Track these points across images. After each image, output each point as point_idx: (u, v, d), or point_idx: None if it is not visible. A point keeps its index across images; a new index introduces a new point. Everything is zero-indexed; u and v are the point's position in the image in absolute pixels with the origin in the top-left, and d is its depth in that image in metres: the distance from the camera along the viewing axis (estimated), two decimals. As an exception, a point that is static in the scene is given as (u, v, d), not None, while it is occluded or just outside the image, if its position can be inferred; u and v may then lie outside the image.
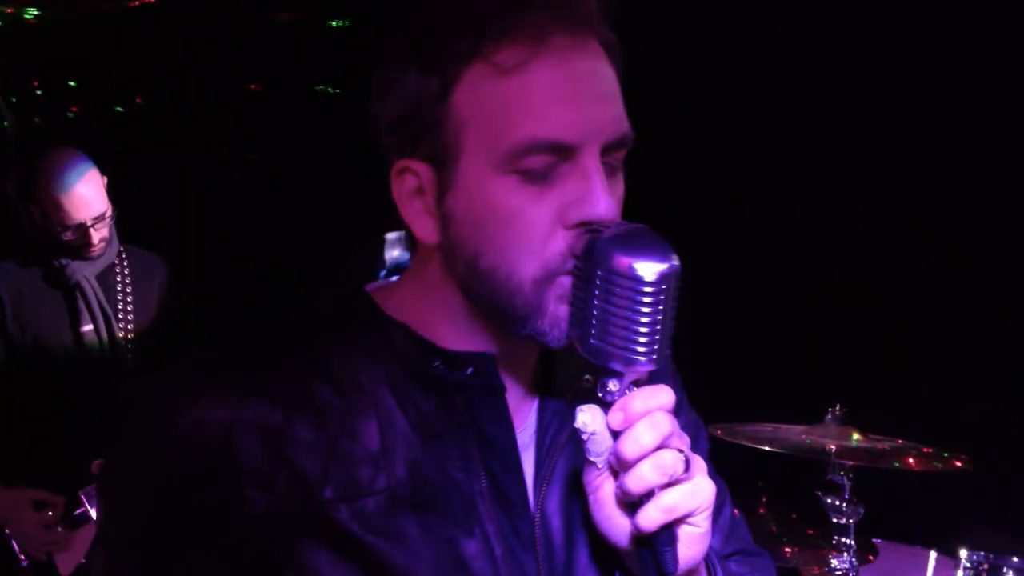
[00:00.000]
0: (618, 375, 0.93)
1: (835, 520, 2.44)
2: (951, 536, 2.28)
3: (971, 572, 2.16)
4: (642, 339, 0.91)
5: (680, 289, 0.93)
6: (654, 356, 0.92)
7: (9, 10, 4.11)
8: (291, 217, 4.15)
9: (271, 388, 0.97)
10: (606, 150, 0.97)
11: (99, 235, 2.80)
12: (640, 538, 0.94)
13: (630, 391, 0.94)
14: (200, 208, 4.23)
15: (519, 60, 0.95)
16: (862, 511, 2.43)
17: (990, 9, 3.17)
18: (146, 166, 2.73)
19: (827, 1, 3.36)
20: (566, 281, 0.96)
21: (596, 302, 0.92)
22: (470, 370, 1.02)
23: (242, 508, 0.94)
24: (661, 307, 0.91)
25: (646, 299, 0.90)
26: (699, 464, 0.96)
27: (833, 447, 2.43)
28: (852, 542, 2.43)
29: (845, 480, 2.43)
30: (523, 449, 1.06)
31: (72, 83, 4.42)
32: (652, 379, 0.96)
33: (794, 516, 2.73)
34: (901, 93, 3.44)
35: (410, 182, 1.01)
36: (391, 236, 1.14)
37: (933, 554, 2.39)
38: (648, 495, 0.92)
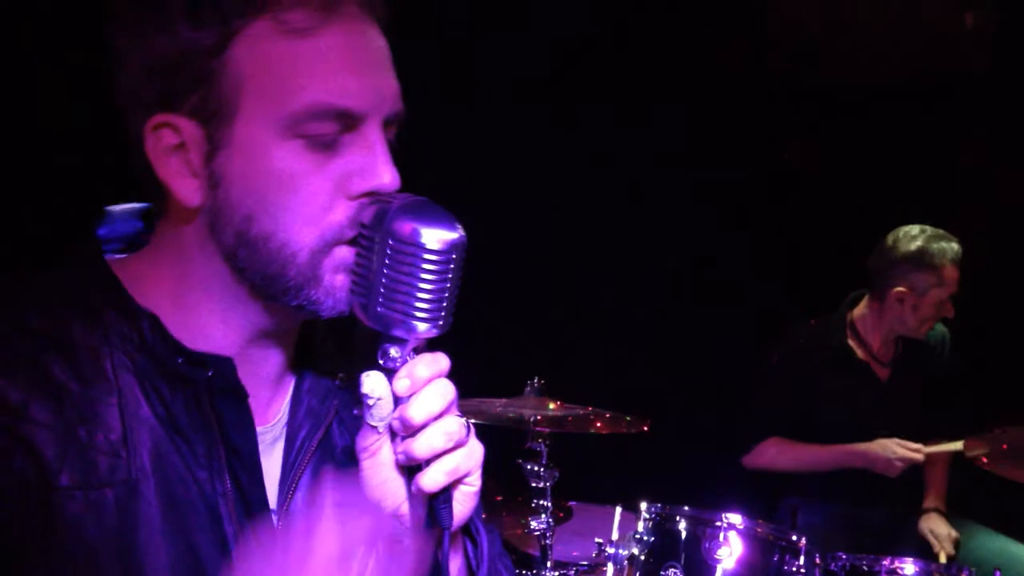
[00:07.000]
0: (401, 342, 0.96)
1: (534, 484, 2.62)
2: (633, 491, 2.50)
3: (650, 522, 2.37)
4: (428, 305, 0.94)
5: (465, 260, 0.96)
6: (439, 323, 0.95)
7: None
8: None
9: (6, 364, 0.93)
10: (386, 124, 0.98)
11: None
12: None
13: (411, 358, 0.96)
14: None
15: (311, 23, 0.93)
16: (557, 474, 2.62)
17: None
18: None
19: None
20: (343, 251, 0.97)
21: (385, 270, 0.93)
22: (211, 372, 0.99)
23: None
24: (449, 275, 0.94)
25: (433, 267, 0.93)
26: (472, 427, 1.00)
27: (533, 416, 2.61)
28: (549, 504, 2.62)
29: (543, 447, 2.61)
30: (274, 442, 1.06)
31: None
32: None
33: (491, 484, 2.91)
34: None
35: (168, 138, 0.96)
36: (114, 209, 1.08)
37: (618, 509, 2.62)
38: (430, 458, 0.95)
